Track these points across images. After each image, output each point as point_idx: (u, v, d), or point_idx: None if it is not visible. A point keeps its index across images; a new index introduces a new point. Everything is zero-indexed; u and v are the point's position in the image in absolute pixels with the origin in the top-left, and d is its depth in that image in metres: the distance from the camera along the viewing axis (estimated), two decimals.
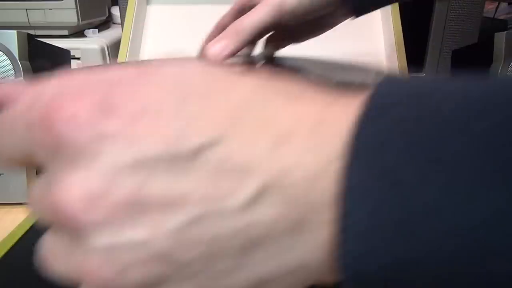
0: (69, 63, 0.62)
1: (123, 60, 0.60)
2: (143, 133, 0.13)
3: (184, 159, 0.13)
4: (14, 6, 0.68)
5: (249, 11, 0.39)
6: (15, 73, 0.48)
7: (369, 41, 0.61)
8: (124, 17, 0.64)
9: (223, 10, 0.67)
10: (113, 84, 0.14)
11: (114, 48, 0.70)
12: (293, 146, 0.13)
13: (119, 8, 0.74)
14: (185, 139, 0.13)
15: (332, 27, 0.42)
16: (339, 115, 0.13)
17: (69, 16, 0.68)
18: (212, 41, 0.36)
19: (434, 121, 0.12)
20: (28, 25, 0.69)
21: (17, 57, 0.47)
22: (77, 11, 0.68)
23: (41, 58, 0.52)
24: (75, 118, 0.13)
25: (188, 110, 0.14)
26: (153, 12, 0.67)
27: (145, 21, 0.67)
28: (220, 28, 0.43)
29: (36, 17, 0.68)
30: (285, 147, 0.13)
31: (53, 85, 0.15)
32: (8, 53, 0.47)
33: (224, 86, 0.15)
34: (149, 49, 0.65)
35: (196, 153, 0.13)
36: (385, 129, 0.12)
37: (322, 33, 0.43)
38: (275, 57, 0.44)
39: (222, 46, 0.35)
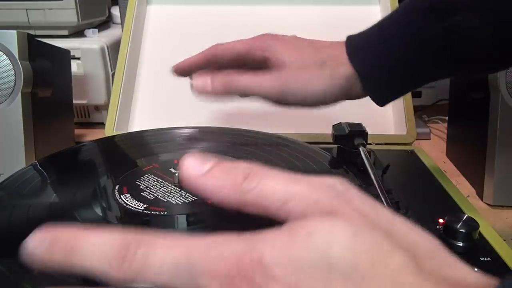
0: (69, 63, 0.62)
1: (123, 60, 0.60)
2: None
3: None
4: (14, 6, 0.68)
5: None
6: (15, 73, 0.48)
7: None
8: (124, 17, 0.64)
9: (223, 10, 0.67)
10: None
11: (114, 48, 0.70)
12: None
13: (119, 8, 0.74)
14: None
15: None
16: None
17: (69, 16, 0.68)
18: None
19: None
20: (28, 25, 0.69)
21: (17, 57, 0.47)
22: (77, 11, 0.68)
23: (41, 58, 0.52)
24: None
25: None
26: (153, 12, 0.68)
27: (145, 21, 0.67)
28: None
29: (36, 17, 0.68)
30: None
31: None
32: (8, 53, 0.47)
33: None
34: (149, 49, 0.65)
35: None
36: None
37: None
38: None
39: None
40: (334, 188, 0.17)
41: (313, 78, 0.37)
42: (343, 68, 0.37)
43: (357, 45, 0.37)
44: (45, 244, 0.17)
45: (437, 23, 0.34)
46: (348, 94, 0.38)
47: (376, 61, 0.36)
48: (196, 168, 0.19)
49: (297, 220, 0.16)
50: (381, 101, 0.38)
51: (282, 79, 0.37)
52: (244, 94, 0.39)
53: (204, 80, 0.38)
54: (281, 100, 0.37)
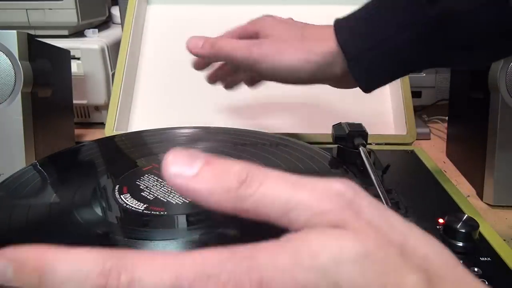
0: (69, 63, 0.62)
1: (123, 60, 0.60)
2: None
3: None
4: (14, 6, 0.68)
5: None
6: (15, 73, 0.48)
7: None
8: (124, 17, 0.64)
9: (223, 10, 0.67)
10: None
11: (114, 48, 0.70)
12: None
13: (119, 8, 0.74)
14: None
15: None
16: None
17: (69, 16, 0.68)
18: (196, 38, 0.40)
19: None
20: (28, 25, 0.69)
21: (17, 57, 0.47)
22: (77, 11, 0.68)
23: (41, 58, 0.52)
24: None
25: None
26: (153, 12, 0.68)
27: (145, 21, 0.67)
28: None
29: (36, 17, 0.68)
30: None
31: None
32: (8, 53, 0.47)
33: None
34: (149, 49, 0.65)
35: None
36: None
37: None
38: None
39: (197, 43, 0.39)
40: (342, 196, 0.16)
41: (289, 50, 0.36)
42: (325, 44, 0.36)
43: (345, 25, 0.37)
44: (9, 274, 0.14)
45: (429, 7, 0.33)
46: (324, 73, 0.37)
47: (364, 42, 0.35)
48: (182, 168, 0.16)
49: (301, 234, 0.15)
50: (365, 83, 0.37)
51: (262, 46, 0.37)
52: (229, 59, 0.39)
53: (197, 41, 0.39)
54: (257, 67, 0.37)
